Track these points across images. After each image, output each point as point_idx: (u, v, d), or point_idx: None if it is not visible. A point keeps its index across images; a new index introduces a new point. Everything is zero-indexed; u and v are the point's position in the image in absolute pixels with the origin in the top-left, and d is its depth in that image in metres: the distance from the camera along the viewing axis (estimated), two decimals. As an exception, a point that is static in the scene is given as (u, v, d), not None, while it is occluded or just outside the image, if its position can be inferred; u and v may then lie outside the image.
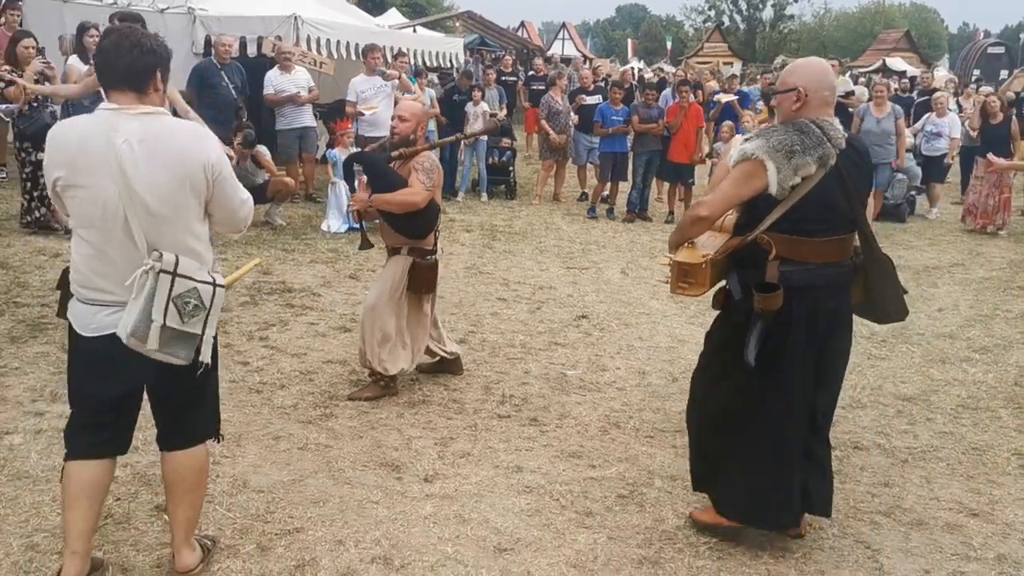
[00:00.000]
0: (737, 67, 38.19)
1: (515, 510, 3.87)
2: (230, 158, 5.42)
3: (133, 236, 2.86)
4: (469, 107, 12.37)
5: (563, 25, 47.08)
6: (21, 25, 9.59)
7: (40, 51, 7.88)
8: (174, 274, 2.85)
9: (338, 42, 12.24)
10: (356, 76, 10.77)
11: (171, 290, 2.84)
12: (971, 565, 3.64)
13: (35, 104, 7.65)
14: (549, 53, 37.79)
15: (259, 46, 11.59)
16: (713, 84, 16.87)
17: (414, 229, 4.99)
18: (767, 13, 60.09)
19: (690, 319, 7.10)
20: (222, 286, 3.00)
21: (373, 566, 3.38)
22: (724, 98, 13.01)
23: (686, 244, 3.62)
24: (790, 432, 3.52)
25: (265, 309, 6.54)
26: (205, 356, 2.96)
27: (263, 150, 9.44)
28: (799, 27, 61.46)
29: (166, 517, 3.56)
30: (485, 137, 12.34)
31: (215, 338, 3.05)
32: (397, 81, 10.62)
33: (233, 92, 10.22)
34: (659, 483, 4.22)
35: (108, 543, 3.40)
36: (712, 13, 62.24)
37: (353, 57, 12.33)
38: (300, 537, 3.54)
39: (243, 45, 11.54)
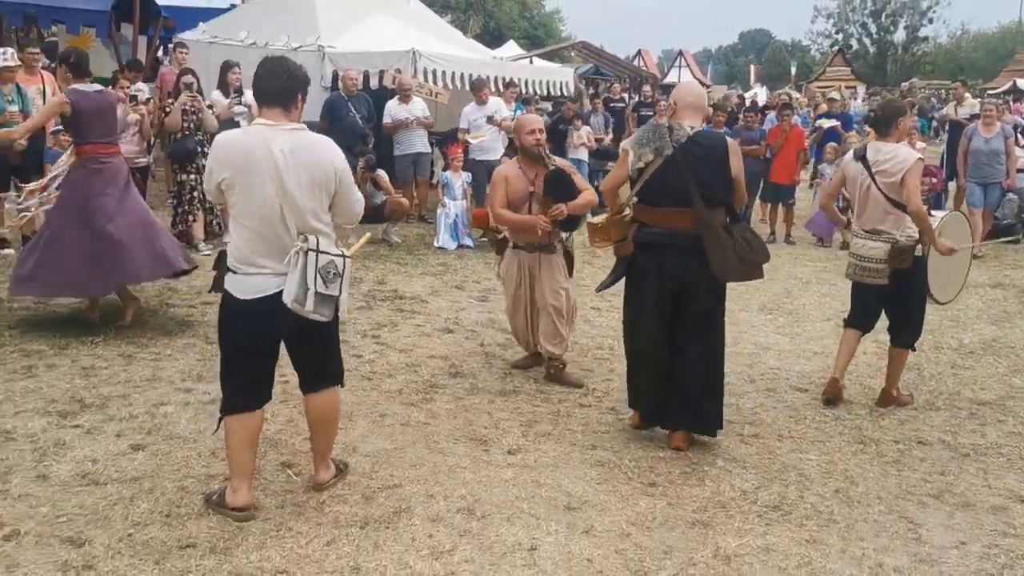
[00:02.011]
0: (861, 91, 37.67)
1: (586, 478, 4.37)
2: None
3: (287, 224, 3.67)
4: (571, 132, 12.96)
5: (679, 53, 47.27)
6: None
7: (188, 86, 8.85)
8: (317, 251, 3.66)
9: (453, 73, 13.04)
10: (467, 105, 11.52)
11: (317, 263, 3.64)
12: (1007, 540, 3.92)
13: (186, 132, 8.65)
14: (665, 81, 38.19)
15: (380, 79, 12.51)
16: (824, 108, 16.92)
17: (575, 224, 5.77)
18: (899, 36, 58.71)
19: (777, 329, 7.43)
20: (348, 256, 3.84)
21: (458, 515, 3.95)
22: (825, 124, 13.16)
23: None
24: (643, 351, 4.80)
25: (378, 313, 7.24)
26: (342, 313, 3.80)
27: (382, 174, 10.25)
28: (934, 49, 59.66)
29: (290, 471, 4.26)
30: (586, 159, 12.96)
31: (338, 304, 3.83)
32: (506, 113, 11.33)
33: (360, 121, 11.11)
34: (721, 463, 4.64)
35: (251, 490, 4.06)
36: (839, 37, 61.25)
37: (466, 87, 13.11)
38: (398, 491, 4.15)
39: (366, 78, 12.48)
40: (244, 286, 3.74)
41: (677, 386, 4.73)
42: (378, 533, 3.77)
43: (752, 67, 59.39)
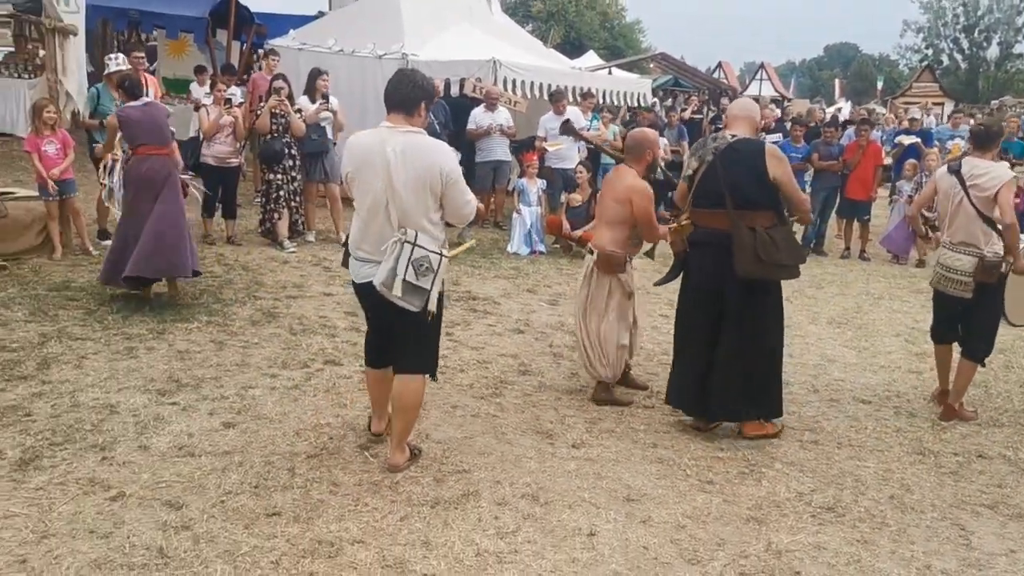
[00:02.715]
0: (948, 107, 36.78)
1: (646, 473, 4.57)
2: None
3: (390, 217, 4.07)
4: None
5: (761, 65, 46.78)
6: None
7: (278, 91, 9.29)
8: (414, 244, 4.04)
9: (532, 83, 13.30)
10: (546, 114, 11.78)
11: (411, 255, 4.02)
12: (1060, 552, 3.99)
13: (274, 135, 9.10)
14: (746, 94, 37.90)
15: (461, 87, 12.86)
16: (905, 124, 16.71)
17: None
18: (992, 52, 57.07)
19: (845, 342, 7.49)
20: (446, 256, 4.18)
21: (523, 500, 4.19)
22: (906, 140, 13.05)
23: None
24: (684, 340, 5.25)
25: (452, 312, 7.53)
26: (432, 306, 4.10)
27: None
28: (1030, 65, 57.83)
29: (367, 453, 4.55)
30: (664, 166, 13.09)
31: (441, 302, 4.25)
32: (583, 123, 11.57)
33: (437, 127, 11.45)
34: (779, 466, 4.79)
35: (323, 467, 4.39)
36: (929, 52, 59.83)
37: (545, 97, 13.37)
38: (467, 476, 4.41)
39: (447, 86, 12.84)
40: (353, 269, 4.32)
41: (722, 374, 5.02)
42: (448, 512, 4.03)
43: (837, 81, 58.34)
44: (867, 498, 4.43)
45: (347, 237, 4.41)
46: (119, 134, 7.14)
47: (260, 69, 12.59)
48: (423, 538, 3.80)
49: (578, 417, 5.33)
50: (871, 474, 4.74)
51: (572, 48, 43.62)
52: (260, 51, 14.43)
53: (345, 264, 4.43)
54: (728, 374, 5.01)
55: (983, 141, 5.71)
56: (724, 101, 19.10)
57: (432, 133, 11.24)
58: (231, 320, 6.69)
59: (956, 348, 5.90)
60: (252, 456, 4.45)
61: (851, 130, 13.25)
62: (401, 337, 4.30)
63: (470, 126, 11.60)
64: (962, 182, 5.53)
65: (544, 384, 5.90)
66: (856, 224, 11.87)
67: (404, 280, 4.01)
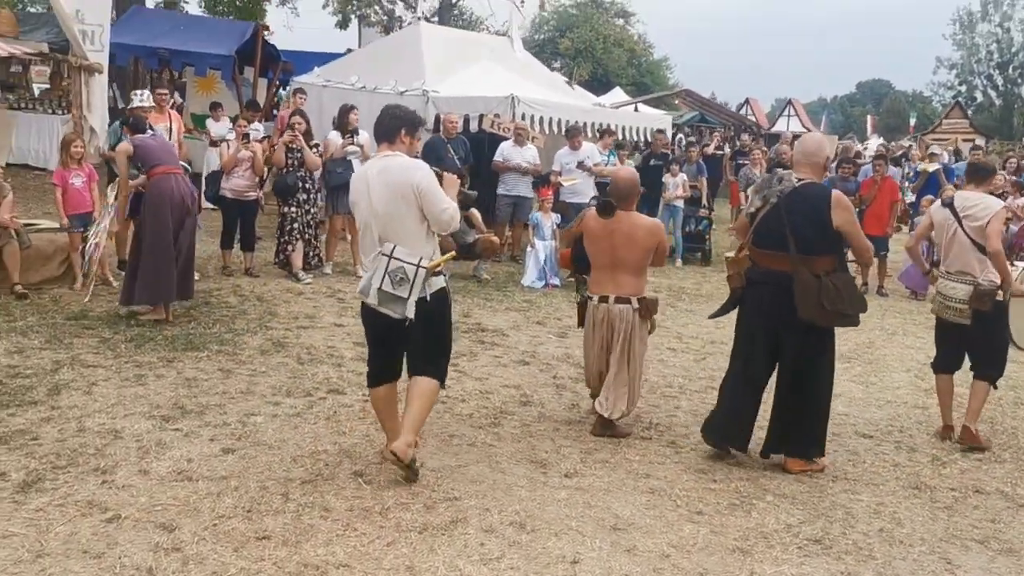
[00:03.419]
0: (981, 144, 36.53)
1: (635, 504, 4.60)
2: None
3: (373, 233, 4.54)
4: (667, 179, 13.21)
5: (789, 102, 46.84)
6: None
7: (291, 127, 9.52)
8: (390, 256, 4.45)
9: (550, 119, 13.48)
10: (561, 149, 11.93)
11: (387, 267, 4.43)
12: (1048, 587, 3.96)
13: (289, 169, 9.32)
14: (773, 130, 37.95)
15: (480, 122, 13.05)
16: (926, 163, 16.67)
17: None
18: (1026, 89, 56.86)
19: (853, 377, 7.47)
20: (424, 267, 4.49)
21: (510, 528, 4.24)
22: (929, 167, 13.00)
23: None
24: (737, 375, 5.30)
25: (459, 343, 7.58)
26: (409, 313, 4.46)
27: (475, 212, 10.67)
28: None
29: (360, 480, 4.64)
30: (682, 204, 13.19)
31: (445, 314, 4.77)
32: (598, 159, 11.69)
33: (457, 162, 11.62)
34: (771, 498, 4.79)
35: (316, 492, 4.47)
36: (963, 88, 59.60)
37: (563, 133, 13.53)
38: (457, 503, 4.47)
39: (466, 121, 13.04)
40: (359, 285, 4.72)
41: (778, 413, 5.20)
42: (434, 539, 4.09)
43: (869, 117, 58.20)
44: (856, 531, 4.43)
45: None
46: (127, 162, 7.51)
47: (287, 106, 12.90)
48: (408, 563, 3.86)
49: (574, 447, 5.37)
50: (863, 507, 4.73)
51: (599, 85, 43.90)
52: (286, 88, 14.83)
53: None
54: (783, 413, 5.16)
55: (976, 175, 6.07)
56: (744, 138, 19.19)
57: (453, 168, 11.61)
58: (241, 349, 6.83)
59: (958, 380, 5.93)
60: (248, 481, 4.55)
61: (868, 166, 13.25)
62: (412, 344, 4.69)
63: (497, 159, 11.73)
64: (955, 214, 5.77)
65: (544, 415, 5.96)
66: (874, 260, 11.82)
67: (380, 289, 4.43)
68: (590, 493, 4.70)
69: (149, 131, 7.64)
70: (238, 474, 4.63)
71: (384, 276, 4.43)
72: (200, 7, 28.94)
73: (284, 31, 35.46)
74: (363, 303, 4.65)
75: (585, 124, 13.81)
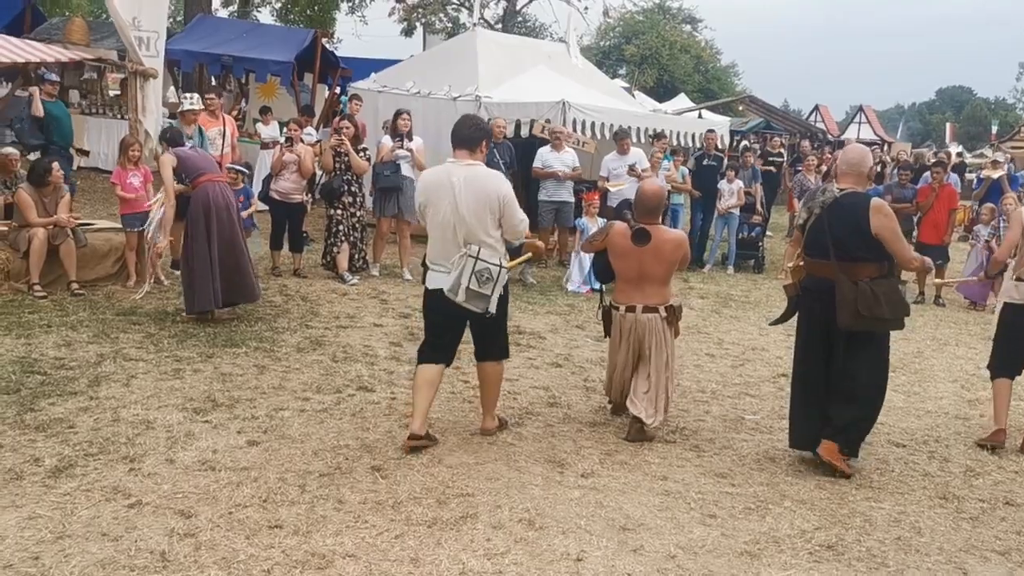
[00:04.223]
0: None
1: (648, 505, 4.59)
2: None
3: (457, 235, 4.94)
4: (723, 184, 13.10)
5: (860, 108, 45.88)
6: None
7: (338, 131, 9.73)
8: (476, 258, 4.89)
9: (602, 124, 13.45)
10: (609, 154, 11.92)
11: (474, 267, 4.88)
12: (1068, 602, 3.84)
13: (336, 172, 9.51)
14: (843, 137, 37.23)
15: (531, 128, 13.11)
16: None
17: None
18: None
19: (896, 387, 7.22)
20: (505, 267, 5.05)
21: (519, 525, 4.27)
22: (995, 173, 12.64)
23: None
24: (797, 379, 5.44)
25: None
26: (492, 309, 4.97)
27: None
28: None
29: (377, 474, 4.72)
30: (737, 211, 13.05)
31: (506, 300, 5.23)
32: (646, 164, 11.65)
33: (502, 167, 11.70)
34: (788, 503, 4.74)
35: (333, 485, 4.57)
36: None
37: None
38: (469, 499, 4.52)
39: (517, 126, 13.11)
40: (429, 279, 5.16)
41: (830, 412, 5.25)
42: (443, 532, 4.15)
43: (948, 125, 56.66)
44: (872, 539, 4.35)
45: (424, 258, 5.29)
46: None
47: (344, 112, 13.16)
48: (413, 555, 3.92)
49: (594, 448, 5.38)
50: (883, 515, 4.64)
51: (665, 91, 43.68)
52: (345, 93, 15.11)
53: (423, 278, 5.32)
54: (831, 411, 5.23)
55: None
56: (804, 144, 18.88)
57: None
58: (279, 347, 7.00)
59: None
60: (268, 472, 4.67)
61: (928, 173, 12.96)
62: (478, 333, 5.23)
63: (536, 164, 11.78)
64: None
65: (569, 416, 5.98)
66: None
67: (467, 288, 4.88)
68: (604, 493, 4.70)
69: (187, 142, 8.04)
70: (259, 465, 4.75)
71: (472, 275, 4.87)
72: (272, 16, 29.65)
73: (352, 39, 36.03)
74: (432, 296, 5.11)
75: (638, 129, 13.77)
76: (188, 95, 9.11)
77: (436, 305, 5.11)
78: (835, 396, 5.22)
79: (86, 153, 15.16)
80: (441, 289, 4.99)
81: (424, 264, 5.26)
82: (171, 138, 7.79)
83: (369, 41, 50.94)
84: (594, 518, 4.39)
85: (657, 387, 5.63)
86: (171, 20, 36.86)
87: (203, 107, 8.98)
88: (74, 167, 12.72)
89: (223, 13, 30.40)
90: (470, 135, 5.06)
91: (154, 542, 3.87)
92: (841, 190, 5.19)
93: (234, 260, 7.41)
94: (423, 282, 5.29)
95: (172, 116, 11.48)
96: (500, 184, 5.04)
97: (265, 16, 30.18)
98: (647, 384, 5.63)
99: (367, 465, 4.87)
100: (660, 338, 5.63)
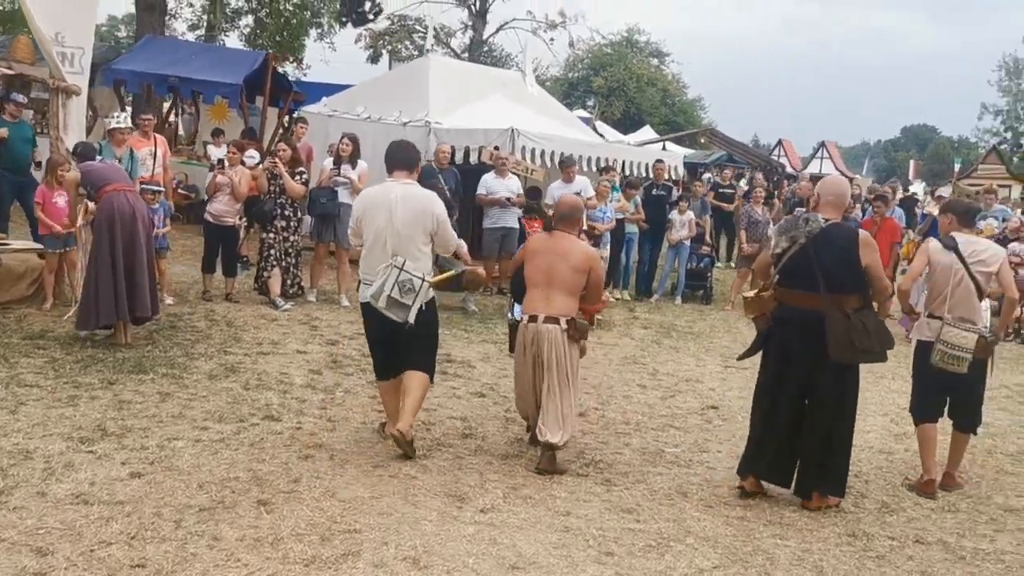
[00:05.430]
0: (1017, 191, 35.78)
1: (544, 542, 4.39)
2: None
3: (386, 247, 5.23)
4: (674, 215, 13.02)
5: (822, 144, 46.46)
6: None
7: (272, 153, 9.57)
8: (401, 268, 5.15)
9: (552, 152, 13.35)
10: (555, 182, 11.81)
11: (398, 277, 5.13)
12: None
13: (270, 195, 9.31)
14: (806, 172, 37.57)
15: (479, 154, 12.98)
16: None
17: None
18: (1077, 137, 55.77)
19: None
20: (428, 281, 5.28)
21: (402, 563, 4.06)
22: (936, 209, 12.69)
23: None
24: (765, 415, 5.27)
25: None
26: (411, 319, 5.19)
27: (461, 244, 10.57)
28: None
29: (263, 508, 4.49)
30: (688, 242, 12.98)
31: (436, 323, 5.63)
32: (590, 192, 11.55)
33: (447, 193, 11.55)
34: (691, 540, 4.56)
35: (212, 520, 4.33)
36: (1008, 135, 58.59)
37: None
38: (356, 536, 4.30)
39: (466, 153, 12.97)
40: (362, 292, 5.40)
41: (804, 453, 5.17)
42: (319, 572, 3.93)
43: (912, 162, 57.46)
44: (771, 579, 4.19)
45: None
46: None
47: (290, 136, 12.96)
48: (281, 597, 3.69)
49: (501, 482, 5.18)
50: (787, 554, 4.48)
51: (632, 123, 43.93)
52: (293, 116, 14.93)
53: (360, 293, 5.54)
54: (816, 452, 5.14)
55: (968, 217, 5.93)
56: (758, 176, 18.95)
57: (442, 199, 11.52)
58: (189, 373, 6.75)
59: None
60: (144, 507, 4.42)
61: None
62: (404, 346, 5.38)
63: (480, 191, 11.65)
64: (962, 259, 5.57)
65: (482, 448, 5.78)
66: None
67: (389, 296, 5.11)
68: (500, 529, 4.50)
69: (113, 161, 7.88)
70: (137, 499, 4.50)
71: (395, 285, 5.12)
72: (240, 41, 29.46)
73: (321, 65, 36.01)
74: (368, 308, 5.29)
75: (590, 159, 13.71)
76: (116, 114, 8.88)
77: (372, 316, 5.33)
78: (817, 440, 5.13)
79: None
80: (366, 302, 5.27)
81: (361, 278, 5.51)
82: (81, 152, 7.56)
83: (337, 68, 50.96)
84: (484, 556, 4.19)
85: (560, 404, 5.42)
86: (127, 39, 36.52)
87: (131, 126, 8.73)
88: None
89: (190, 37, 30.23)
90: (408, 157, 5.51)
91: (0, 582, 3.62)
92: (826, 220, 5.12)
93: (135, 272, 7.14)
94: (357, 289, 5.63)
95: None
96: (436, 204, 5.41)
97: (233, 40, 29.99)
98: (548, 400, 5.43)
99: (254, 499, 4.63)
100: (560, 350, 5.43)
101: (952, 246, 5.61)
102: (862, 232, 5.27)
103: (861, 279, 5.09)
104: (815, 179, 15.52)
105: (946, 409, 5.77)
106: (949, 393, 5.71)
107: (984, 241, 5.86)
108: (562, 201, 5.87)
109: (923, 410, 5.75)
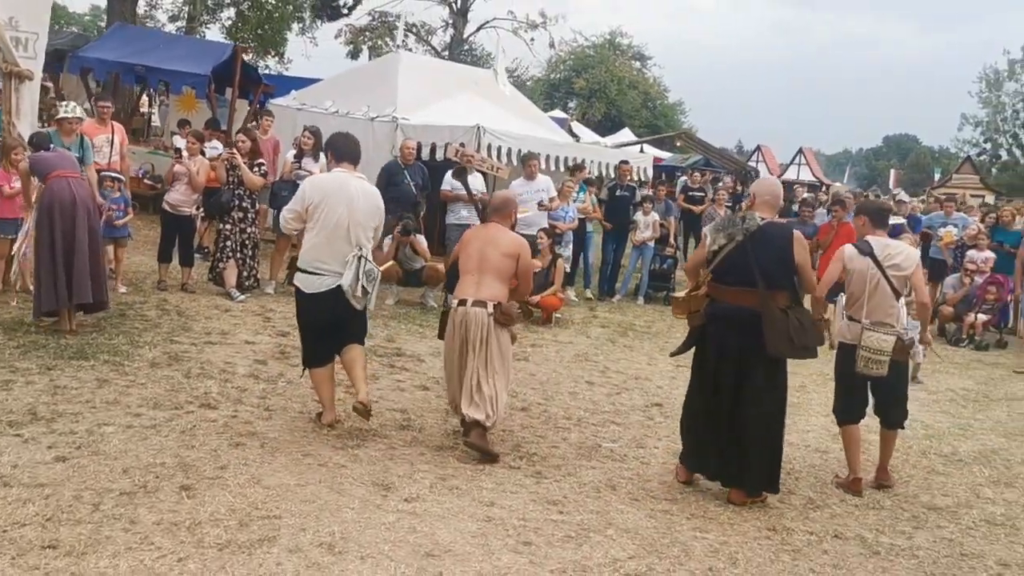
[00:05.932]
0: (990, 200, 36.19)
1: (464, 531, 4.43)
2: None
3: (350, 237, 5.46)
4: (639, 216, 13.09)
5: (799, 151, 46.77)
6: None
7: (232, 144, 9.56)
8: (364, 258, 5.45)
9: (518, 151, 13.38)
10: (516, 180, 11.85)
11: (364, 267, 5.43)
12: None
13: (228, 186, 9.29)
14: (783, 178, 37.80)
15: (445, 151, 12.99)
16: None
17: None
18: (1054, 148, 56.35)
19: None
20: (380, 270, 5.74)
21: (317, 549, 4.08)
22: (892, 220, 12.81)
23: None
24: (698, 412, 5.39)
25: (368, 366, 7.47)
26: (371, 304, 5.68)
27: (420, 239, 10.62)
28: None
29: (184, 494, 4.49)
30: (652, 243, 13.05)
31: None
32: (553, 193, 11.60)
33: (413, 189, 11.57)
34: (611, 531, 4.61)
35: (131, 504, 4.34)
36: (988, 146, 59.21)
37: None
38: (275, 522, 4.31)
39: (432, 149, 12.99)
40: (312, 281, 5.53)
41: (735, 448, 5.21)
42: (232, 556, 3.94)
43: (892, 171, 57.87)
44: (684, 569, 4.24)
45: (292, 260, 5.79)
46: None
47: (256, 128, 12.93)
48: (189, 580, 3.71)
49: (430, 472, 5.21)
50: (703, 546, 4.53)
51: (612, 125, 44.04)
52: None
53: (290, 280, 5.80)
54: (756, 446, 5.19)
55: (881, 218, 5.91)
56: (727, 180, 19.07)
57: (409, 194, 11.55)
58: (132, 360, 6.73)
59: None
60: (64, 490, 4.42)
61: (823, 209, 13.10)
62: (349, 325, 5.69)
63: (444, 187, 11.68)
64: (877, 263, 5.59)
65: (418, 440, 5.81)
66: (829, 306, 11.60)
67: (361, 285, 5.42)
68: (421, 518, 4.53)
69: (69, 151, 7.82)
70: (58, 482, 4.50)
71: (363, 274, 5.41)
72: (222, 34, 29.33)
73: (302, 59, 35.82)
74: (314, 297, 5.53)
75: (558, 158, 13.77)
76: (65, 102, 8.83)
77: (324, 306, 5.53)
78: (745, 435, 5.18)
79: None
80: (328, 291, 5.45)
81: (293, 267, 5.63)
82: (35, 143, 7.54)
83: (318, 63, 50.84)
84: (400, 544, 4.22)
85: (485, 385, 5.49)
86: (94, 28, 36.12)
87: (79, 116, 8.67)
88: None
89: (171, 28, 30.05)
90: (356, 152, 5.81)
91: (-93, 560, 3.61)
92: (763, 218, 5.23)
93: (73, 258, 7.07)
94: (288, 282, 5.75)
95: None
96: (380, 198, 5.81)
97: (214, 33, 29.85)
98: (474, 383, 5.50)
99: (177, 484, 4.64)
100: (486, 332, 5.52)
101: (867, 251, 5.62)
102: (796, 232, 5.38)
103: (792, 276, 5.22)
104: (787, 185, 15.65)
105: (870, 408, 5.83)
106: (872, 393, 5.80)
107: (898, 243, 5.85)
108: (496, 195, 6.09)
109: (846, 411, 5.79)
